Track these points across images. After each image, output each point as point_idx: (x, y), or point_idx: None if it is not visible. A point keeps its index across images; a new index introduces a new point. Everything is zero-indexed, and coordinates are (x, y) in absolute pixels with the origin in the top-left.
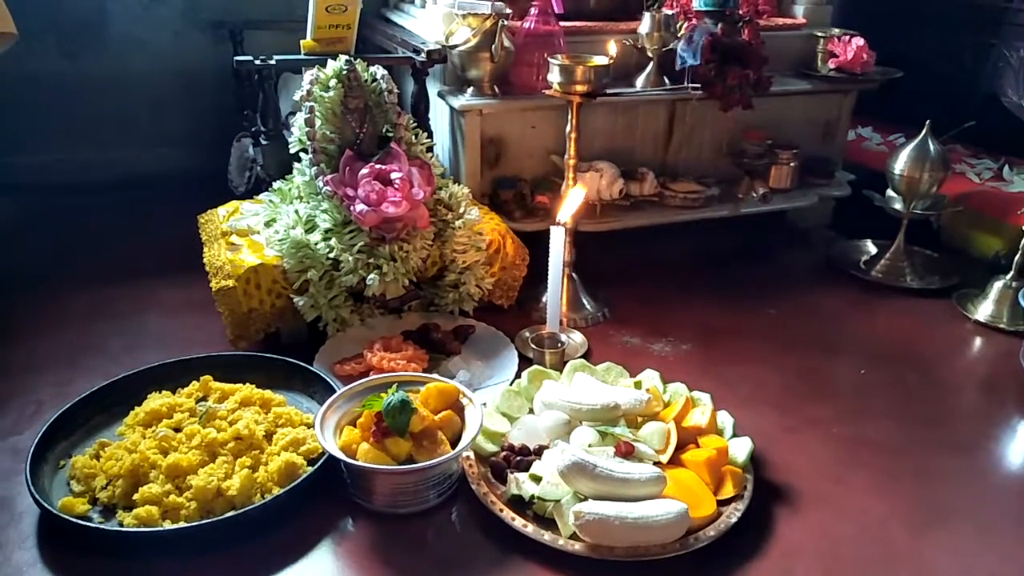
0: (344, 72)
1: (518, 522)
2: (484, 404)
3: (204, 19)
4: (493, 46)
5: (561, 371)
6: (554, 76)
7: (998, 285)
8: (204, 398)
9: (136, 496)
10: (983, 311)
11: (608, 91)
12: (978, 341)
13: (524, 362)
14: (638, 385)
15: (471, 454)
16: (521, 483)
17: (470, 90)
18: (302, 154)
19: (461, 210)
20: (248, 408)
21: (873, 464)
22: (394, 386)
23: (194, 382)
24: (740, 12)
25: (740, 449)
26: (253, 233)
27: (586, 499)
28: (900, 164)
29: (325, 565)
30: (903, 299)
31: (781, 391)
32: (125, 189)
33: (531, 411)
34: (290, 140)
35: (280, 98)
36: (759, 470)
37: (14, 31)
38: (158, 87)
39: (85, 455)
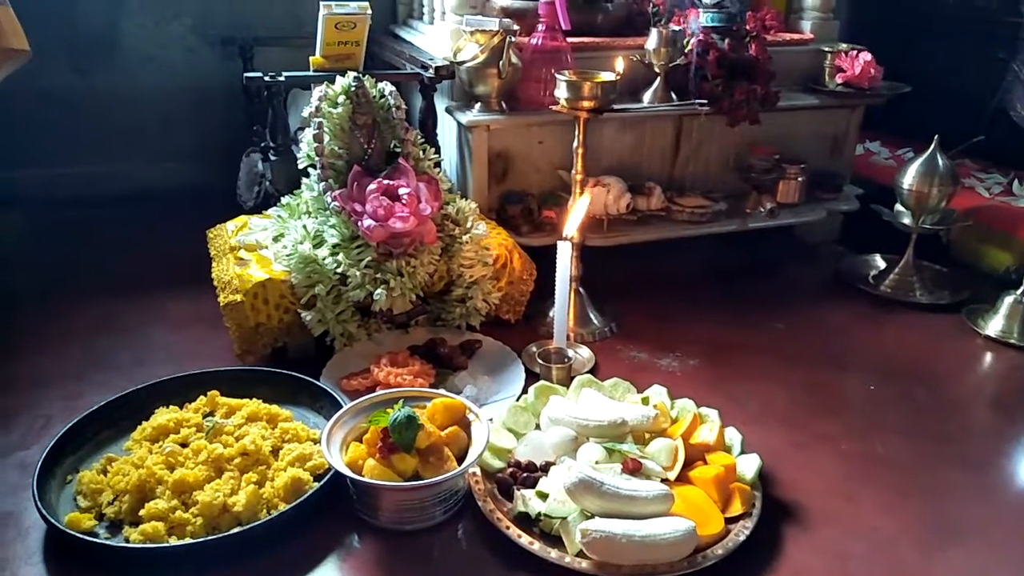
0: (352, 88)
1: (524, 539)
2: (491, 420)
3: (214, 36)
4: (501, 62)
5: (568, 386)
6: (561, 92)
7: (1008, 300)
8: (211, 413)
9: (142, 512)
10: (993, 326)
11: (615, 107)
12: (988, 357)
13: (531, 377)
14: (645, 401)
15: (477, 470)
16: (528, 500)
17: (478, 106)
18: (310, 169)
19: (468, 225)
20: (255, 423)
21: (883, 481)
22: (400, 401)
23: (201, 397)
24: (747, 28)
25: (748, 466)
26: (261, 248)
27: (593, 516)
28: (909, 179)
29: None
30: (912, 314)
31: (790, 407)
32: (134, 203)
33: (538, 427)
34: (299, 155)
35: (289, 114)
36: (768, 487)
37: (27, 48)
38: (168, 103)
39: (92, 470)
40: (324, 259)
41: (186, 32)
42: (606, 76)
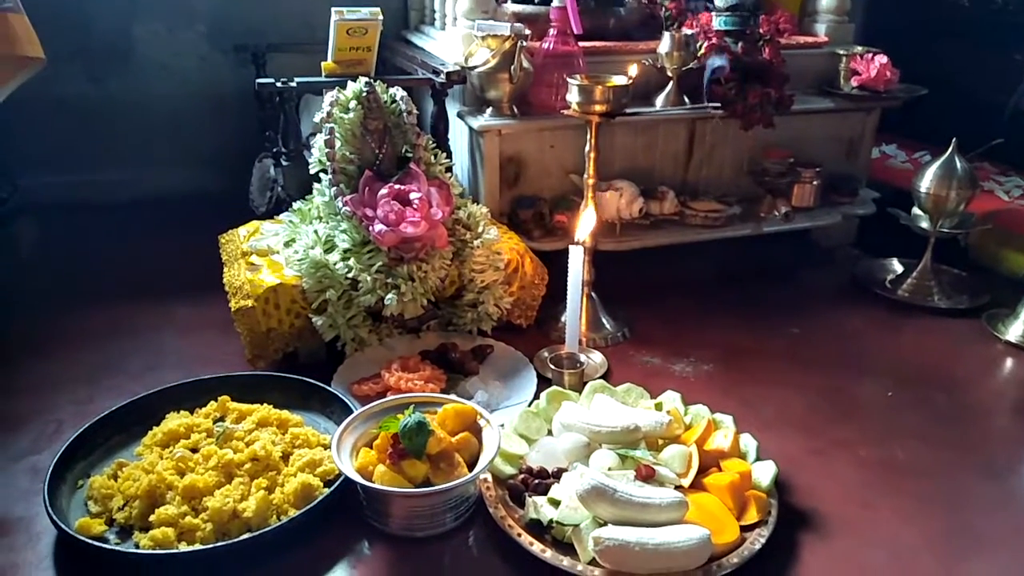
0: (364, 94)
1: (536, 547)
2: (502, 425)
3: (227, 43)
4: (512, 67)
5: (580, 392)
6: (573, 96)
7: None
8: (222, 418)
9: (152, 517)
10: (1014, 331)
11: (627, 111)
12: (1009, 362)
13: (543, 383)
14: (659, 407)
15: (488, 477)
16: (539, 507)
17: (489, 110)
18: (322, 175)
19: (480, 229)
20: (265, 428)
21: (902, 488)
22: (411, 407)
23: (212, 402)
24: (761, 31)
25: (764, 473)
26: (273, 253)
27: (606, 524)
28: (926, 182)
29: None
30: (931, 319)
31: (806, 413)
32: (147, 209)
33: (550, 433)
34: (310, 161)
35: (301, 119)
36: (783, 494)
37: (42, 56)
38: (181, 109)
39: (103, 475)
40: (335, 264)
41: (199, 39)
42: (618, 80)
